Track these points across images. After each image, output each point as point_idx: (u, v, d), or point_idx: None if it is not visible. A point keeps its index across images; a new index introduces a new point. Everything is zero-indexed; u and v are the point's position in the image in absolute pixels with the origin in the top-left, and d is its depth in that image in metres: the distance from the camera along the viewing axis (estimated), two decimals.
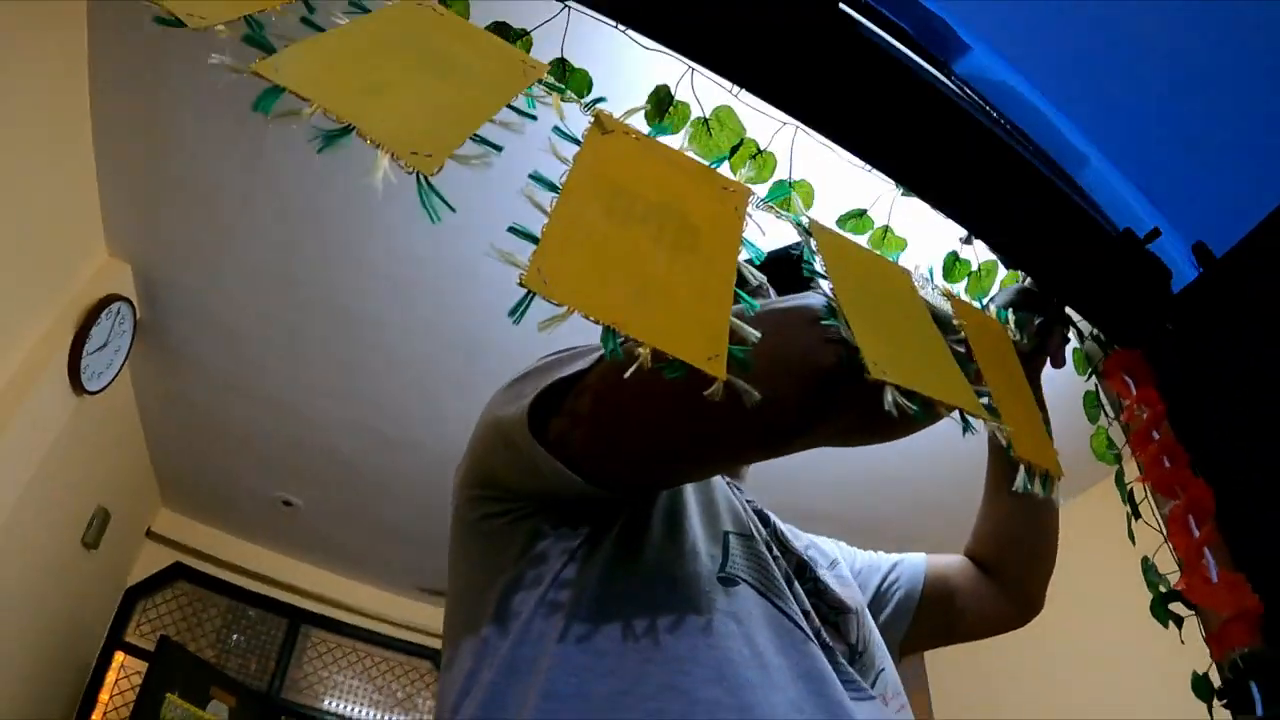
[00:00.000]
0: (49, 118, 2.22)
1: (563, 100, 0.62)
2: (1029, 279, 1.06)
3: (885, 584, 1.08)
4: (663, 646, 0.70)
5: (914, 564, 1.11)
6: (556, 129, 0.58)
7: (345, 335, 3.08)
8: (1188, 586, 0.88)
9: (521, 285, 0.49)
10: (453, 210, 0.50)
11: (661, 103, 0.88)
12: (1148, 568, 0.98)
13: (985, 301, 1.04)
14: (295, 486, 4.27)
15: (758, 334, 0.55)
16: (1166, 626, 0.92)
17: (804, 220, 0.68)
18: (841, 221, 1.03)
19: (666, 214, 0.58)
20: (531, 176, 0.55)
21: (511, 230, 0.51)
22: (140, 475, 4.30)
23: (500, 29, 0.79)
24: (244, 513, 4.71)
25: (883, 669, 0.89)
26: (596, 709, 0.66)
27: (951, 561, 1.12)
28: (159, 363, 3.38)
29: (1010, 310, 0.98)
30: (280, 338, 3.14)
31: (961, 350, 0.70)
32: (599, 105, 0.66)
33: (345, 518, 4.59)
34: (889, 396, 0.53)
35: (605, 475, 0.72)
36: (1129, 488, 1.02)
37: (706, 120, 0.91)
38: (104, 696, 4.25)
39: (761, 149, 0.93)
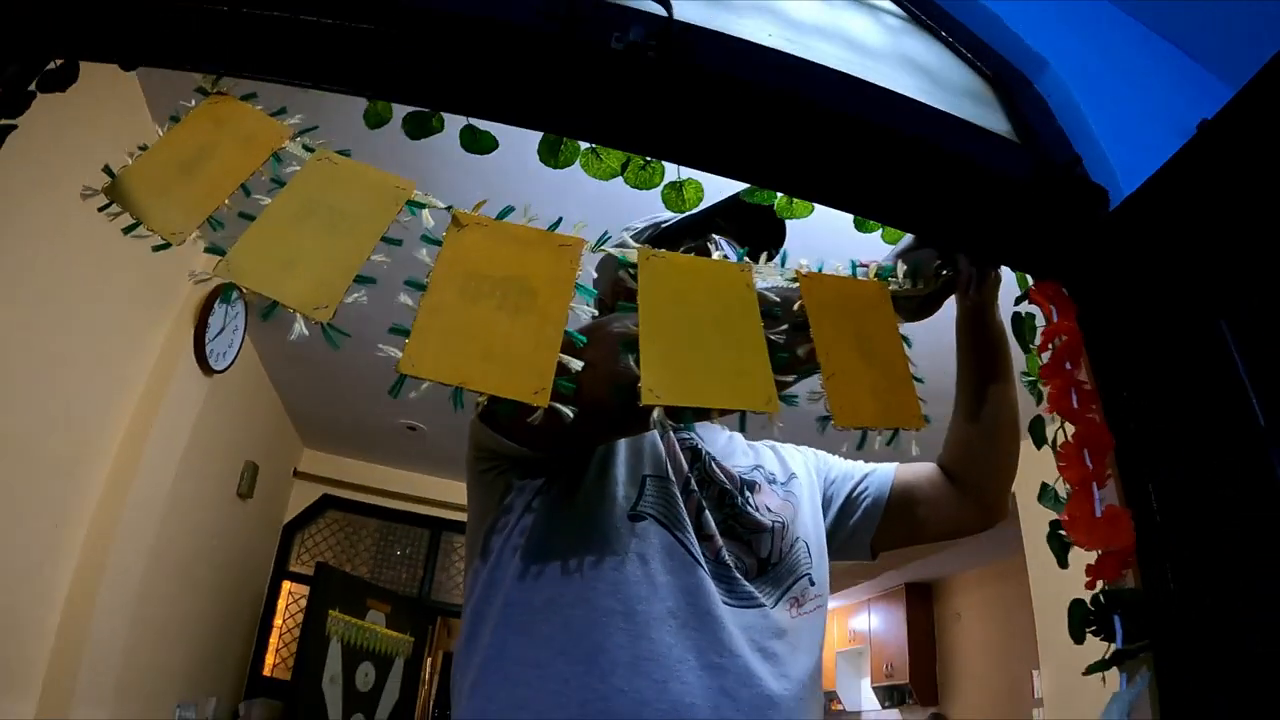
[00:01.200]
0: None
1: (426, 208, 0.87)
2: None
3: (856, 491, 1.28)
4: (581, 571, 0.99)
5: (883, 473, 1.29)
6: (424, 236, 0.85)
7: None
8: (1068, 518, 0.91)
9: (398, 372, 0.77)
10: (347, 335, 0.78)
11: (552, 146, 1.12)
12: (1045, 493, 1.05)
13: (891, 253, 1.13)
14: (416, 413, 4.72)
15: (579, 363, 0.82)
16: (1057, 556, 0.94)
17: (630, 255, 0.92)
18: (747, 195, 1.22)
19: (509, 285, 0.84)
20: (406, 283, 0.82)
21: (392, 330, 0.79)
22: (280, 426, 4.89)
23: (418, 119, 1.05)
24: (376, 441, 5.26)
25: (803, 575, 1.14)
26: (535, 613, 0.98)
27: (920, 470, 1.27)
28: (275, 330, 3.84)
29: (899, 261, 1.09)
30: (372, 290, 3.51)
31: (781, 339, 0.89)
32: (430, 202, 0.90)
33: (463, 433, 5.04)
34: (656, 415, 0.79)
35: (527, 444, 1.01)
36: (1042, 417, 1.05)
37: (595, 149, 1.14)
38: (277, 620, 4.98)
39: (648, 160, 1.15)
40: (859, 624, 8.50)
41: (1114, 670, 0.84)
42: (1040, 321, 1.08)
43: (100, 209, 0.84)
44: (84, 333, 2.53)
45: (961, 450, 1.23)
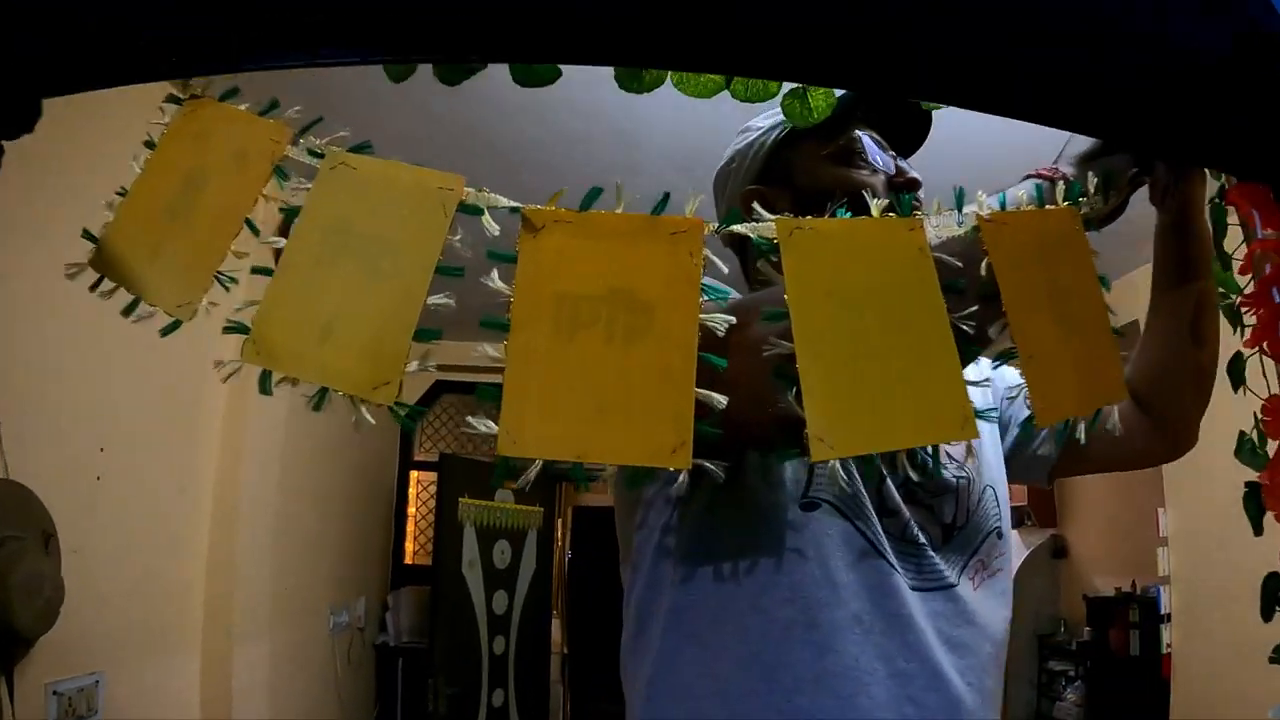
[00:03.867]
0: None
1: (486, 211, 0.65)
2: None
3: None
4: (752, 574, 0.86)
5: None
6: (490, 253, 0.63)
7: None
8: (1269, 482, 0.79)
9: (500, 455, 0.58)
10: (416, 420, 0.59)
11: (629, 68, 0.86)
12: (1242, 444, 0.88)
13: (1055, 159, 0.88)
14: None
15: (723, 399, 0.61)
16: (1253, 522, 0.82)
17: (766, 235, 0.68)
18: None
19: (615, 302, 0.62)
20: (483, 324, 0.62)
21: (480, 394, 0.59)
22: None
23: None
24: (472, 323, 5.18)
25: (992, 529, 0.97)
26: (706, 620, 0.87)
27: None
28: None
29: (1082, 166, 0.84)
30: None
31: (970, 327, 0.68)
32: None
33: None
34: (835, 465, 0.58)
35: None
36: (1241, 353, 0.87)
37: None
38: (411, 509, 5.13)
39: None
40: None
41: None
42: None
43: (91, 288, 0.66)
44: None
45: (1157, 375, 1.04)
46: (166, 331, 0.67)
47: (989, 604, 0.94)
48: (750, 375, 0.65)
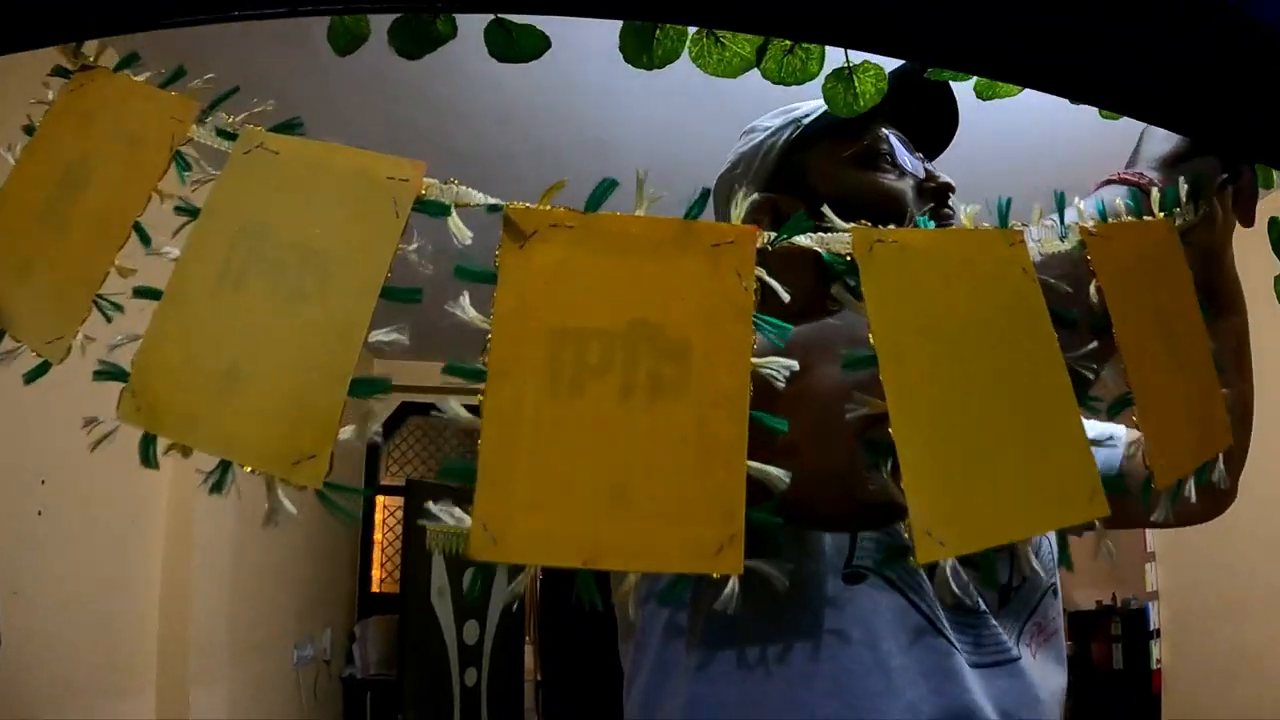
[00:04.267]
0: None
1: (453, 211, 0.47)
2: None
3: None
4: (786, 661, 0.71)
5: (1108, 453, 0.92)
6: (460, 269, 0.45)
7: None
8: None
9: (473, 559, 0.41)
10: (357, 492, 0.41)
11: (641, 35, 0.70)
12: None
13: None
14: (484, 304, 4.46)
15: (783, 475, 0.44)
16: None
17: (836, 245, 0.50)
18: (934, 71, 0.81)
19: (635, 342, 0.45)
20: (448, 371, 0.45)
21: (443, 473, 0.42)
22: None
23: (412, 27, 0.63)
24: (447, 339, 5.01)
25: (1048, 587, 0.85)
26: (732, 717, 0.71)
27: (1138, 446, 0.94)
28: None
29: (1170, 171, 0.67)
30: None
31: (1089, 369, 0.52)
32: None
33: None
34: (946, 571, 0.42)
35: None
36: None
37: (712, 30, 0.71)
38: (377, 535, 4.93)
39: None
40: None
41: None
42: None
43: None
44: None
45: None
46: (31, 377, 0.50)
47: (1049, 671, 0.81)
48: (823, 442, 0.48)
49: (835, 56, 0.72)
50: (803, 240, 0.49)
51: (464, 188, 0.45)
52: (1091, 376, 0.53)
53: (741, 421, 0.44)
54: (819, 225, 0.51)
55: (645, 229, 0.48)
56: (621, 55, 0.70)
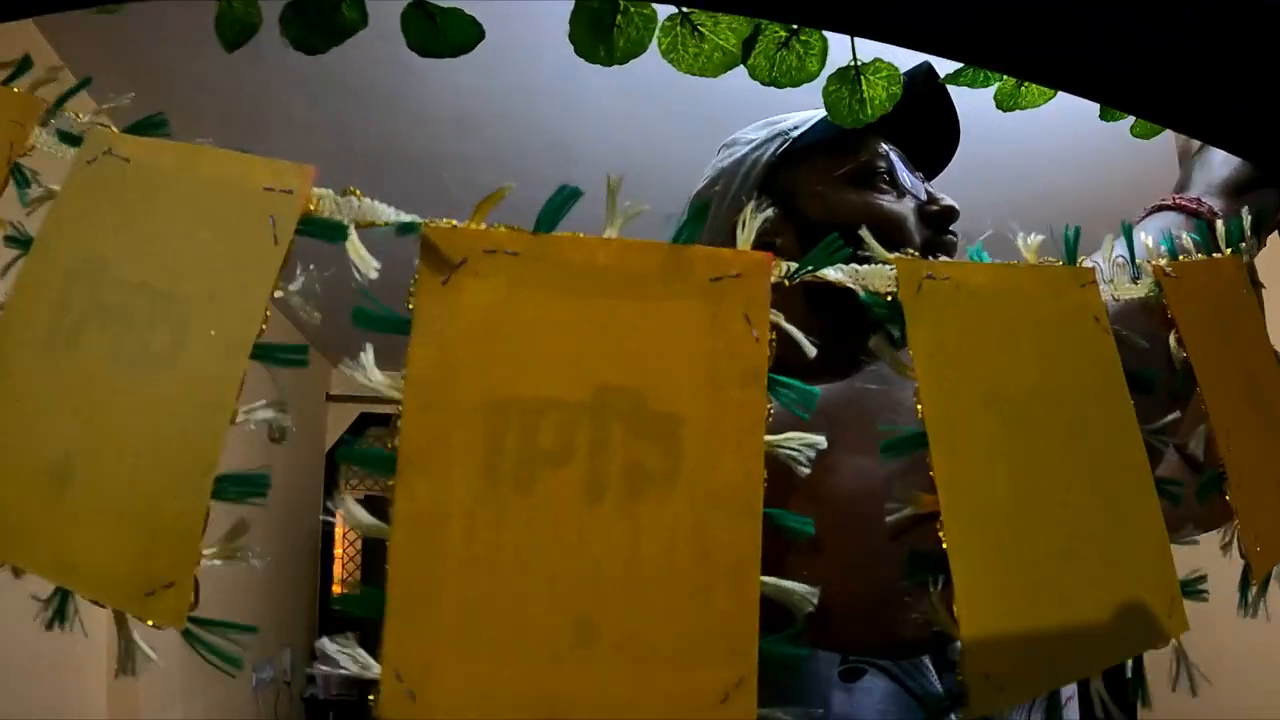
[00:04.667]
0: None
1: (351, 233, 0.35)
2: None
3: None
4: None
5: None
6: (360, 314, 0.34)
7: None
8: None
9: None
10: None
11: (596, 21, 0.58)
12: None
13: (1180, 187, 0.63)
14: None
15: (814, 595, 0.33)
16: None
17: (873, 280, 0.39)
18: (951, 79, 0.71)
19: (607, 416, 0.34)
20: (342, 457, 0.33)
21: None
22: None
23: (310, 10, 0.52)
24: (403, 347, 4.88)
25: None
26: None
27: None
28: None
29: (1235, 200, 0.59)
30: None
31: (1166, 445, 0.41)
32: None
33: None
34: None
35: None
36: None
37: (688, 16, 0.60)
38: (338, 550, 4.79)
39: (795, 30, 0.61)
40: None
41: None
42: None
43: None
44: None
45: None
46: None
47: None
48: (850, 556, 0.37)
49: (836, 56, 0.61)
50: (830, 274, 0.37)
51: (367, 200, 0.34)
52: (1165, 451, 0.43)
53: (753, 524, 0.33)
54: (799, 252, 0.40)
55: (618, 257, 0.37)
56: (574, 49, 0.59)
